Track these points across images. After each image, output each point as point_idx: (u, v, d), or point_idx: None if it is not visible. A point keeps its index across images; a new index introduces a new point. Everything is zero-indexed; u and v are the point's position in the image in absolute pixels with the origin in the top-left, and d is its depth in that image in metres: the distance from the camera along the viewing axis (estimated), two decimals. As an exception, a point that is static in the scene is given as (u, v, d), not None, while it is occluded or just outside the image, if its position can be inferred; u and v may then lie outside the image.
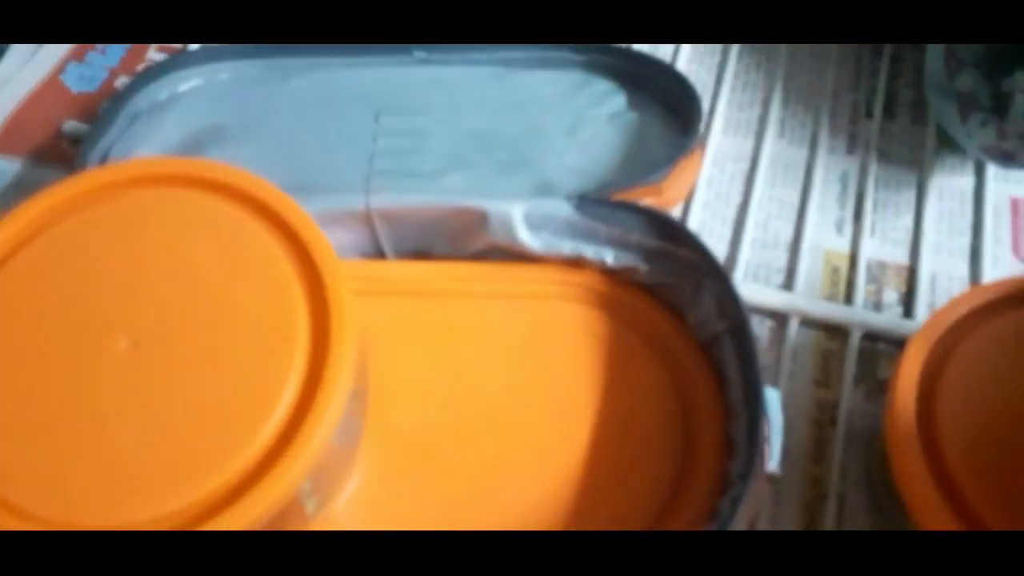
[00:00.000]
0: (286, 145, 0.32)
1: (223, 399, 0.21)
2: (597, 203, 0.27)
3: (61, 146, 0.36)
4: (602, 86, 0.34)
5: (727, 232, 0.33)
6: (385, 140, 0.32)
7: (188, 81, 0.34)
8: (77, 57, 0.39)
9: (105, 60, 0.38)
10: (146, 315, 0.22)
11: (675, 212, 0.33)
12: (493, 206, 0.27)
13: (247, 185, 0.25)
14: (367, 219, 0.27)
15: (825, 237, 0.33)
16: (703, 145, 0.34)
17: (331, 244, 0.24)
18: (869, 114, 0.36)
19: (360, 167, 0.31)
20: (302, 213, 0.24)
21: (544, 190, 0.30)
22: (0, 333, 0.22)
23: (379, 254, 0.29)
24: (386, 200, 0.27)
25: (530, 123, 0.33)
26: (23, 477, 0.20)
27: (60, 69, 0.38)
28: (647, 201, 0.29)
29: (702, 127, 0.31)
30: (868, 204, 0.33)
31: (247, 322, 0.22)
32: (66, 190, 0.25)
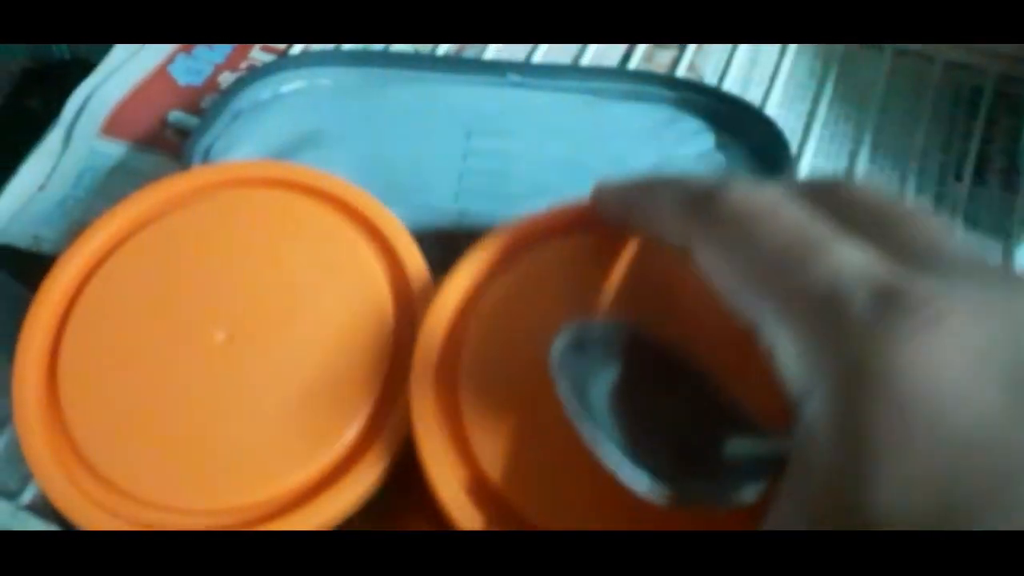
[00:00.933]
0: (380, 154, 0.33)
1: (312, 395, 0.22)
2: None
3: (164, 134, 0.37)
4: (691, 124, 0.34)
5: (803, 282, 0.33)
6: (474, 159, 0.33)
7: (290, 83, 0.35)
8: (186, 50, 0.40)
9: (212, 55, 0.40)
10: (242, 310, 0.23)
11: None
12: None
13: (344, 192, 0.26)
14: (455, 236, 0.28)
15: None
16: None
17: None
18: (959, 177, 0.35)
19: (449, 183, 0.32)
20: (394, 221, 0.25)
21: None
22: (106, 320, 0.23)
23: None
24: (477, 223, 0.27)
25: (616, 156, 0.33)
26: (124, 460, 0.21)
27: (169, 60, 0.40)
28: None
29: (792, 174, 0.31)
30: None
31: (337, 322, 0.23)
32: (172, 186, 0.26)
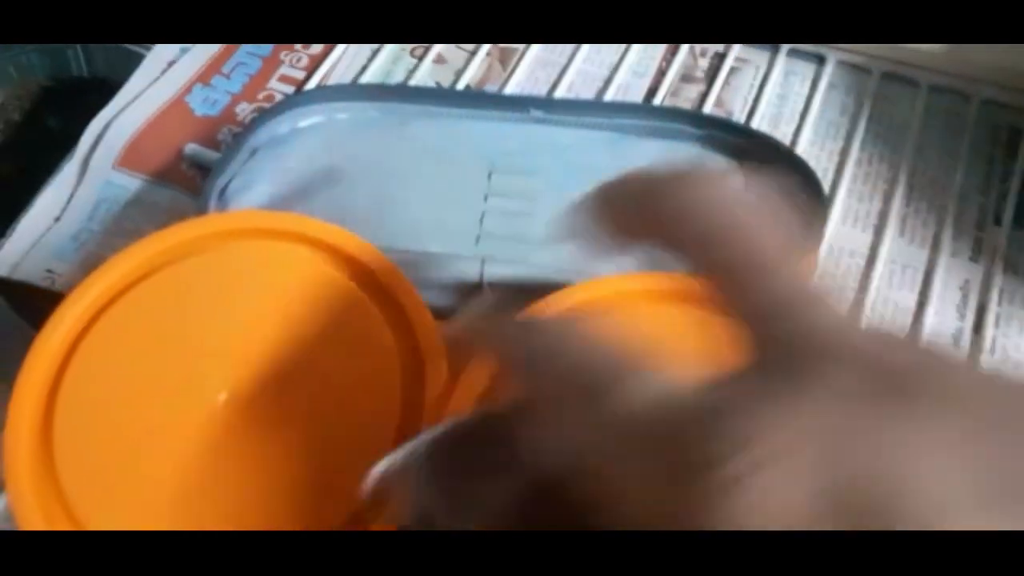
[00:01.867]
0: (398, 193, 0.32)
1: (312, 465, 0.21)
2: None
3: (180, 167, 0.37)
4: (718, 163, 0.33)
5: (835, 330, 0.32)
6: (496, 200, 0.32)
7: (308, 118, 0.34)
8: (203, 80, 0.40)
9: (229, 85, 0.40)
10: (245, 371, 0.22)
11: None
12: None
13: (359, 252, 0.25)
14: (479, 289, 0.27)
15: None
16: (821, 239, 0.33)
17: (439, 304, 0.24)
18: (998, 221, 0.34)
19: (471, 225, 0.31)
20: (406, 283, 0.24)
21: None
22: (103, 374, 0.22)
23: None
24: (501, 271, 0.26)
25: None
26: (114, 522, 0.20)
27: (187, 91, 0.39)
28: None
29: (824, 220, 0.30)
30: (990, 318, 0.32)
31: (342, 388, 0.22)
32: (176, 235, 0.25)
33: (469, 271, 0.27)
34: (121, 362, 0.22)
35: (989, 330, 0.31)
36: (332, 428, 0.21)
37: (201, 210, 0.30)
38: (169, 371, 0.22)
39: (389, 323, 0.23)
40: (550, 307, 0.24)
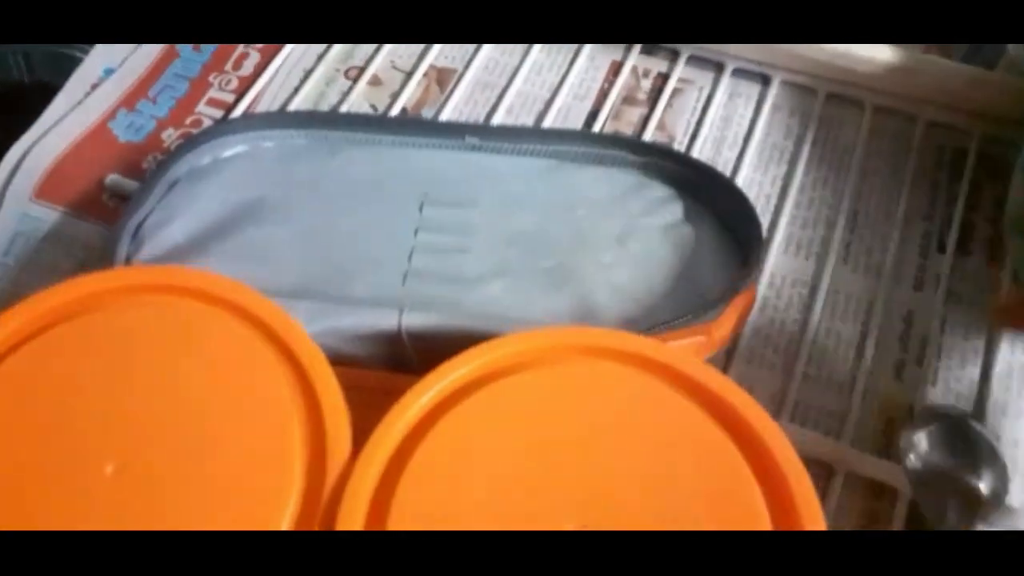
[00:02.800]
0: (324, 229, 0.30)
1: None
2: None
3: (101, 199, 0.35)
4: (658, 192, 0.32)
5: (778, 363, 0.31)
6: (426, 235, 0.30)
7: (232, 147, 0.33)
8: (128, 105, 0.38)
9: (155, 109, 0.38)
10: (134, 437, 0.21)
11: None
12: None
13: (260, 309, 0.23)
14: (398, 339, 0.25)
15: (882, 382, 0.31)
16: (760, 272, 0.32)
17: (360, 353, 0.22)
18: (941, 248, 0.33)
19: (398, 263, 0.29)
20: (310, 343, 0.23)
21: (587, 311, 0.28)
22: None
23: (406, 364, 0.27)
24: (420, 322, 0.25)
25: (580, 227, 0.31)
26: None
27: (111, 116, 0.38)
28: (693, 341, 0.27)
29: (761, 255, 0.29)
30: (932, 349, 0.31)
31: (239, 450, 0.21)
32: (67, 292, 0.23)
33: (387, 321, 0.25)
34: (2, 431, 0.21)
35: (931, 362, 0.31)
36: (228, 496, 0.20)
37: (110, 251, 0.28)
38: (54, 440, 0.21)
39: (290, 386, 0.22)
40: (474, 359, 0.23)
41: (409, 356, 0.26)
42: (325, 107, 0.38)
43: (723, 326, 0.27)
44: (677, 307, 0.29)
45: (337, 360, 0.26)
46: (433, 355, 0.26)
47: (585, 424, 0.21)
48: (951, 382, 0.31)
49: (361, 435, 0.22)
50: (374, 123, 0.33)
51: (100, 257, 0.29)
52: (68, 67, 0.42)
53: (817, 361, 0.31)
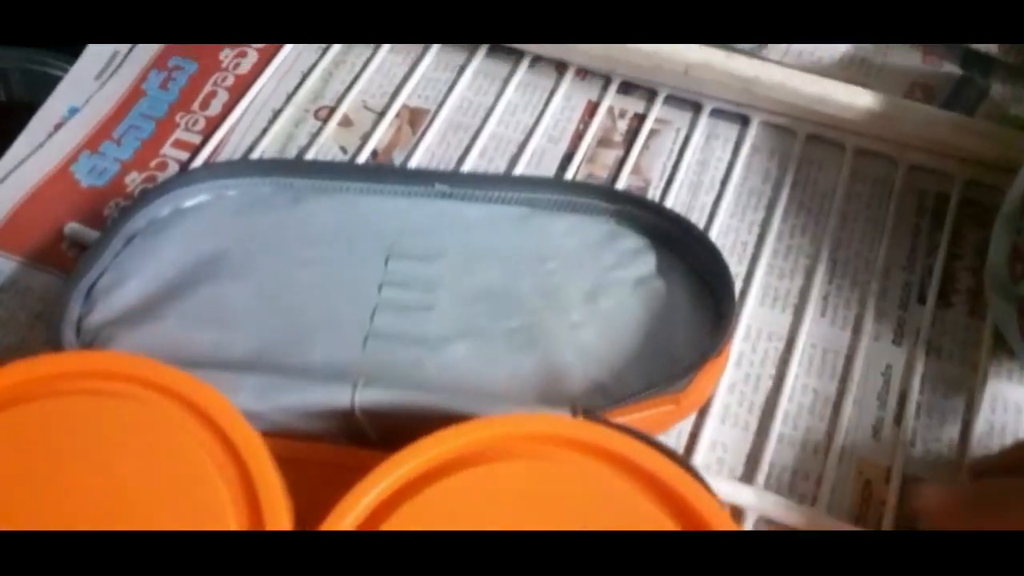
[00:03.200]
0: (285, 286, 0.29)
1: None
2: (602, 421, 0.24)
3: (60, 248, 0.34)
4: (631, 242, 0.31)
5: (753, 422, 0.30)
6: (391, 291, 0.30)
7: (194, 197, 0.32)
8: (91, 147, 0.37)
9: (118, 151, 0.37)
10: (62, 527, 0.20)
11: (697, 395, 0.30)
12: (487, 412, 0.24)
13: (196, 395, 0.22)
14: (351, 416, 0.24)
15: (860, 442, 0.30)
16: (735, 329, 0.31)
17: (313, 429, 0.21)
18: (922, 299, 0.33)
19: (360, 323, 0.29)
20: (252, 435, 0.22)
21: (553, 374, 0.28)
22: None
23: (363, 438, 0.26)
24: (374, 398, 0.24)
25: (549, 282, 0.30)
26: None
27: (72, 159, 0.37)
28: (662, 411, 0.26)
29: (733, 322, 0.29)
30: (911, 407, 0.30)
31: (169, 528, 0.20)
32: (11, 375, 0.22)
33: (340, 398, 0.24)
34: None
35: (910, 421, 0.30)
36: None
37: (59, 315, 0.27)
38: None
39: (222, 468, 0.21)
40: (437, 447, 0.22)
41: (365, 431, 0.25)
42: (294, 148, 0.37)
43: (693, 393, 0.26)
44: (646, 369, 0.28)
45: (290, 435, 0.25)
46: (390, 430, 0.25)
47: (539, 519, 0.20)
48: (930, 443, 0.30)
49: (316, 509, 0.21)
50: (340, 170, 0.33)
51: (50, 314, 0.29)
52: (47, 85, 0.41)
53: (793, 419, 0.30)
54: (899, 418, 0.30)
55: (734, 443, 0.30)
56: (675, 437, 0.29)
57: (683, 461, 0.22)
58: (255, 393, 0.25)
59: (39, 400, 0.21)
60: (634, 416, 0.25)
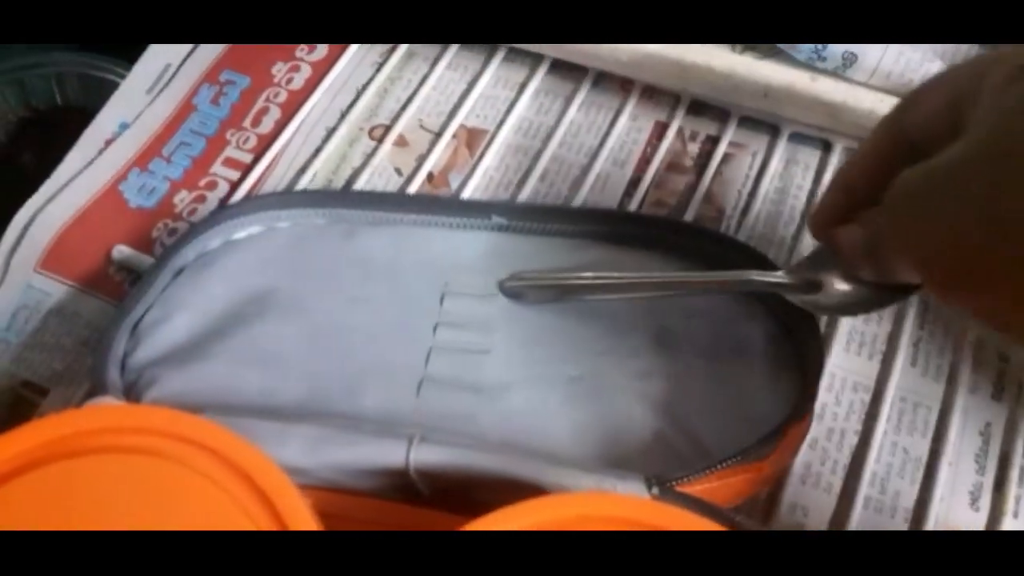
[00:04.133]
0: (337, 326, 0.28)
1: None
2: (680, 497, 0.22)
3: (108, 272, 0.33)
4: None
5: (836, 484, 0.28)
6: (447, 332, 0.28)
7: (245, 228, 0.30)
8: (141, 164, 0.36)
9: (168, 170, 0.36)
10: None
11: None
12: (552, 481, 0.22)
13: (217, 441, 0.21)
14: (405, 473, 0.23)
15: (955, 509, 0.27)
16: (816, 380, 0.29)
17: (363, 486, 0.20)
18: (1025, 349, 0.30)
19: (414, 367, 0.27)
20: (303, 509, 0.20)
21: (617, 429, 0.25)
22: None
23: (414, 494, 0.24)
24: (431, 456, 0.22)
25: (620, 320, 0.28)
26: None
27: (122, 177, 0.36)
28: (741, 479, 0.24)
29: (821, 382, 0.26)
30: (1014, 471, 0.27)
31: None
32: (36, 435, 0.21)
33: (394, 456, 0.23)
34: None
35: (1012, 487, 0.27)
36: None
37: (103, 352, 0.26)
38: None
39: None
40: (491, 528, 0.20)
41: (418, 488, 0.23)
42: (348, 169, 0.35)
43: (777, 461, 0.24)
44: (721, 427, 0.26)
45: (338, 489, 0.24)
46: (443, 488, 0.23)
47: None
48: (1035, 512, 0.27)
49: None
50: (394, 202, 0.31)
51: (94, 350, 0.27)
52: (103, 91, 0.41)
53: (881, 482, 0.28)
54: (1000, 483, 0.27)
55: (816, 506, 0.27)
56: (751, 499, 0.27)
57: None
58: (304, 447, 0.23)
59: (64, 460, 0.20)
60: (711, 485, 0.23)
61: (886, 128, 0.23)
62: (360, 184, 0.35)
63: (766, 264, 0.28)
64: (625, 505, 0.19)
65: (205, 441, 0.21)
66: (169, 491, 0.20)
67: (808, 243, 0.32)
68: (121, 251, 0.33)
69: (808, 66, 0.33)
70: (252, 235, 0.30)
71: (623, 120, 0.36)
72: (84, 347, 0.32)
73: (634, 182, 0.34)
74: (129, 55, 0.41)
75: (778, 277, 0.25)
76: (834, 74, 0.34)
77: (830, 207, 0.24)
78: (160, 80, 0.39)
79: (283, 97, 0.38)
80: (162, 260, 0.28)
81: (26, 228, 0.34)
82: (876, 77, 0.36)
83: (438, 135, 0.36)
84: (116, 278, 0.33)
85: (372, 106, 0.37)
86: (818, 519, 0.27)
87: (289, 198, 0.30)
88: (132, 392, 0.26)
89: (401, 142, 0.36)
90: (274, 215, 0.30)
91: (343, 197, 0.31)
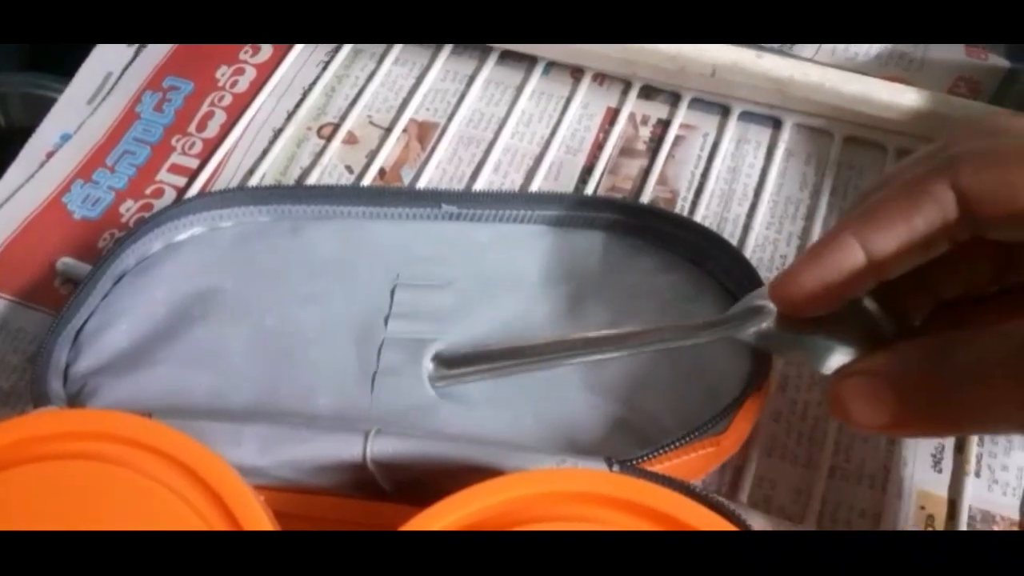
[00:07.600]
0: (285, 326, 0.27)
1: None
2: (640, 472, 0.22)
3: (53, 284, 0.32)
4: (657, 261, 0.29)
5: (802, 454, 0.28)
6: (399, 323, 0.27)
7: (186, 230, 0.30)
8: (84, 175, 0.35)
9: (112, 179, 0.35)
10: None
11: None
12: (514, 466, 0.22)
13: (164, 442, 0.20)
14: (363, 467, 0.22)
15: (919, 473, 0.27)
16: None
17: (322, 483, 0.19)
18: (981, 312, 0.30)
19: (367, 361, 0.26)
20: (256, 507, 0.19)
21: (577, 414, 0.25)
22: None
23: (374, 490, 0.24)
24: (389, 448, 0.22)
25: (567, 309, 0.28)
26: None
27: (65, 189, 0.35)
28: (701, 454, 0.23)
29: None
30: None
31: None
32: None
33: (350, 450, 0.22)
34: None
35: (973, 448, 0.27)
36: None
37: (43, 363, 0.25)
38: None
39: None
40: (465, 508, 0.19)
41: (377, 483, 0.23)
42: (297, 169, 0.35)
43: (735, 433, 0.24)
44: (680, 405, 0.25)
45: (295, 489, 0.23)
46: (404, 482, 0.23)
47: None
48: (998, 472, 0.27)
49: None
50: (341, 195, 0.30)
51: (33, 361, 0.27)
52: (47, 110, 0.39)
53: (845, 451, 0.28)
54: (961, 445, 0.28)
55: (783, 478, 0.27)
56: (719, 473, 0.27)
57: (733, 515, 0.19)
58: (258, 446, 0.22)
59: (7, 469, 0.19)
60: (672, 463, 0.23)
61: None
62: (310, 183, 0.34)
63: (722, 243, 0.28)
64: (585, 479, 0.19)
65: (152, 443, 0.20)
66: (116, 496, 0.20)
67: (761, 220, 0.32)
68: (66, 263, 0.32)
69: (754, 45, 0.33)
70: (194, 236, 0.29)
71: (574, 108, 0.36)
72: (31, 364, 0.31)
73: (588, 169, 0.34)
74: (72, 72, 0.40)
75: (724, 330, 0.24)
76: (779, 51, 0.34)
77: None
78: (101, 89, 0.38)
79: (228, 101, 0.37)
80: (101, 265, 0.27)
81: (-34, 245, 0.33)
82: (821, 53, 0.36)
83: (388, 130, 0.36)
84: (62, 291, 0.32)
85: (320, 105, 0.37)
86: (785, 490, 0.27)
87: (231, 196, 0.30)
88: (76, 402, 0.25)
89: (351, 139, 0.36)
90: (216, 215, 0.29)
91: (287, 192, 0.30)
